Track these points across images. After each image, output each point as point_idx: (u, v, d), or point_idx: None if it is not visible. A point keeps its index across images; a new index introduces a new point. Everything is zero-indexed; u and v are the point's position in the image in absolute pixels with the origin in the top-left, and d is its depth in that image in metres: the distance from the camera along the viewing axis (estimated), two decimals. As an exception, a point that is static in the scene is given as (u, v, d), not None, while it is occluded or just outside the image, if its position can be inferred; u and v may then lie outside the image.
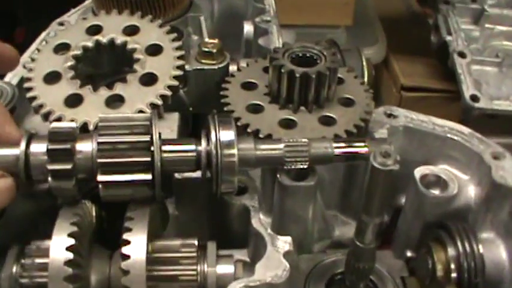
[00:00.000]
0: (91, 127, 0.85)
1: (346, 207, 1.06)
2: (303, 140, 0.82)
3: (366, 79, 1.19)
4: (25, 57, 1.10)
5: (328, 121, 0.95)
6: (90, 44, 0.97)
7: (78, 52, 0.96)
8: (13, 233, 0.87)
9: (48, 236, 0.76)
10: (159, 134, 0.75)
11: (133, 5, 1.03)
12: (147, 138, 0.75)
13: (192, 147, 0.78)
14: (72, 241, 0.73)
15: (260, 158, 0.80)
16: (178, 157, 0.78)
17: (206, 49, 1.02)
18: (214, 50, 1.02)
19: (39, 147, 0.75)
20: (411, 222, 0.95)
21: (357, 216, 1.00)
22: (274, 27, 1.19)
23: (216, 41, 1.03)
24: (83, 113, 0.87)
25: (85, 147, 0.76)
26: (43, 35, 1.17)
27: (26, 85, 0.91)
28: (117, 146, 0.74)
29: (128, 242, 0.73)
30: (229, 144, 0.77)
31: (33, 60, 0.95)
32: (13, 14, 2.15)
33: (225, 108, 0.95)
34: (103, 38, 0.97)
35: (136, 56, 0.94)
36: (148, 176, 0.74)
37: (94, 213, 0.82)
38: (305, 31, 1.58)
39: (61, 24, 1.20)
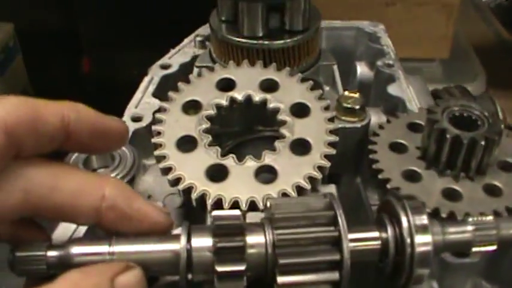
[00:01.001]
0: (243, 207, 0.73)
1: (493, 275, 0.93)
2: (489, 218, 0.71)
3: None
4: (131, 107, 0.99)
5: (493, 190, 0.84)
6: (223, 101, 0.85)
7: (211, 112, 0.84)
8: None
9: None
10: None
11: (266, 54, 0.91)
12: (335, 232, 0.62)
13: (376, 234, 0.66)
14: None
15: (448, 243, 0.69)
16: (364, 247, 0.66)
17: (347, 105, 0.90)
18: (357, 107, 0.90)
19: (201, 242, 0.63)
20: None
21: (503, 284, 0.91)
22: (400, 73, 1.07)
23: (357, 95, 0.91)
24: (231, 189, 0.75)
25: (257, 240, 0.63)
26: (146, 80, 1.06)
27: (158, 153, 0.79)
28: (299, 242, 0.62)
29: None
30: (423, 231, 0.65)
31: (159, 121, 0.83)
32: (78, 42, 2.06)
33: (380, 176, 0.83)
34: (238, 95, 0.85)
35: (280, 117, 0.82)
36: (335, 276, 0.62)
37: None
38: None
39: (164, 67, 1.08)
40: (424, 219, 0.66)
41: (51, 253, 0.63)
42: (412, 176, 0.85)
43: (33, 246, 0.63)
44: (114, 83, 1.77)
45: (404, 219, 0.66)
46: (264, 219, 0.66)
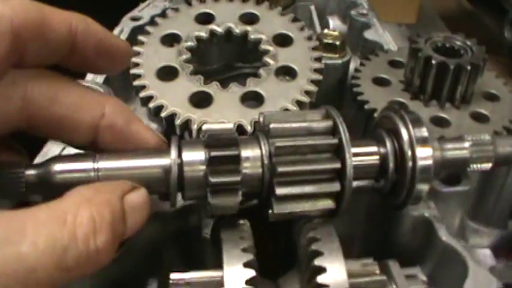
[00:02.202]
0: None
1: (478, 213, 0.93)
2: (486, 137, 0.69)
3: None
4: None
5: (480, 117, 0.85)
6: (203, 34, 0.82)
7: (192, 43, 0.80)
8: (134, 264, 0.71)
9: (186, 266, 0.61)
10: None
11: (243, -9, 0.88)
12: (335, 140, 0.60)
13: (374, 148, 0.64)
14: (251, 273, 0.57)
15: (447, 160, 0.67)
16: (363, 162, 0.63)
17: (328, 41, 0.88)
18: (338, 42, 0.88)
19: (194, 156, 0.59)
20: None
21: (489, 223, 0.91)
22: (375, 20, 1.07)
23: (336, 32, 0.90)
24: (216, 114, 0.72)
25: (252, 152, 0.60)
26: (116, 31, 1.01)
27: (138, 82, 0.75)
28: (299, 150, 0.60)
29: (323, 270, 0.58)
30: (424, 143, 0.63)
31: (137, 53, 0.79)
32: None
33: (366, 107, 0.82)
34: (218, 27, 0.82)
35: (263, 47, 0.80)
36: (336, 186, 0.60)
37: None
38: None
39: (134, 19, 1.04)
40: (424, 131, 0.63)
41: (30, 171, 0.57)
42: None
43: (10, 165, 0.58)
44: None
45: (404, 132, 0.63)
46: (258, 132, 0.63)
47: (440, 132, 0.79)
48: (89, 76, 0.88)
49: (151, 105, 0.73)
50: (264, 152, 0.60)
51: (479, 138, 0.69)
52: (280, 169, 0.59)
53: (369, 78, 0.88)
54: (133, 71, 0.77)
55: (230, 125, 0.62)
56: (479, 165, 0.68)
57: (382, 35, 1.03)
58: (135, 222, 0.55)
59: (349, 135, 0.61)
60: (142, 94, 0.74)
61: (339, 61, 0.89)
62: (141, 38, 0.81)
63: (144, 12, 1.06)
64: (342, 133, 0.60)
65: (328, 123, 0.62)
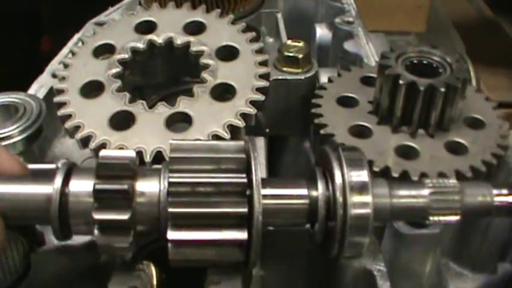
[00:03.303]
0: (147, 158, 0.61)
1: (462, 255, 0.81)
2: (452, 182, 0.57)
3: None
4: (54, 63, 0.87)
5: (457, 148, 0.73)
6: (140, 45, 0.73)
7: (125, 56, 0.72)
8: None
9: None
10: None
11: (195, -4, 0.79)
12: (243, 178, 0.50)
13: (304, 191, 0.54)
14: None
15: (397, 209, 0.55)
16: (285, 206, 0.54)
17: (290, 54, 0.78)
18: (300, 56, 0.78)
19: (81, 185, 0.51)
20: None
21: (475, 266, 0.78)
22: (360, 30, 0.96)
23: (300, 43, 0.80)
24: (136, 138, 0.63)
25: (149, 187, 0.51)
26: (76, 37, 0.94)
27: (58, 99, 0.68)
28: (197, 188, 0.50)
29: None
30: (362, 189, 0.52)
31: (66, 66, 0.72)
32: (39, 21, 1.95)
33: (322, 131, 0.72)
34: (158, 38, 0.74)
35: (203, 61, 0.71)
36: (243, 234, 0.50)
37: (155, 279, 0.57)
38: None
39: (98, 24, 0.97)
40: (363, 176, 0.53)
41: None
42: (361, 132, 0.73)
43: None
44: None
45: (337, 174, 0.53)
46: (163, 164, 0.54)
47: (406, 165, 0.68)
48: (32, 88, 0.82)
49: (67, 125, 0.65)
50: (162, 187, 0.52)
51: (444, 185, 0.56)
52: (172, 210, 0.50)
53: (334, 97, 0.77)
54: (56, 86, 0.69)
55: (132, 153, 0.53)
56: (441, 218, 0.56)
57: (364, 46, 0.92)
58: None
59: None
60: (60, 112, 0.66)
61: (301, 77, 0.78)
62: (73, 48, 0.74)
63: (109, 18, 0.99)
64: (253, 172, 0.51)
65: (240, 158, 0.52)
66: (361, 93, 0.78)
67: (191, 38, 0.73)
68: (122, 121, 0.65)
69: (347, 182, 0.52)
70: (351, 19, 0.98)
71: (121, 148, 0.62)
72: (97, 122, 0.65)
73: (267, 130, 0.80)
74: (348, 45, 0.92)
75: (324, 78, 0.83)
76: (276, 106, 0.79)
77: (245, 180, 0.50)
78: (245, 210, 0.50)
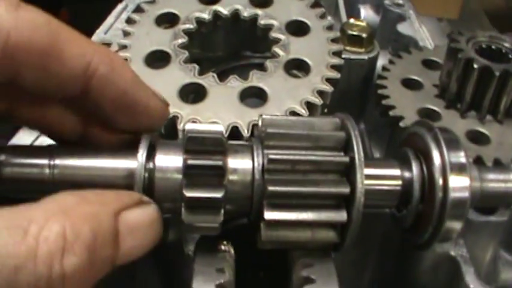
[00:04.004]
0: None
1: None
2: None
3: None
4: (99, 32, 0.83)
5: (528, 136, 0.70)
6: (206, 15, 0.70)
7: (191, 26, 0.69)
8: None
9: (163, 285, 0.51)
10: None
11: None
12: (344, 157, 0.48)
13: (397, 171, 0.52)
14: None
15: (487, 193, 0.54)
16: (380, 187, 0.51)
17: (353, 33, 0.75)
18: (364, 35, 0.75)
19: (169, 160, 0.48)
20: None
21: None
22: (411, 12, 0.93)
23: (363, 23, 0.77)
24: (209, 112, 0.60)
25: (242, 164, 0.48)
26: (120, 7, 0.90)
27: (122, 68, 0.64)
28: (297, 166, 0.48)
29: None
30: (460, 171, 0.50)
31: (126, 34, 0.68)
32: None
33: (391, 113, 0.69)
34: (223, 9, 0.71)
35: (274, 35, 0.68)
36: (342, 216, 0.48)
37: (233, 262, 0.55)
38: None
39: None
40: (461, 157, 0.51)
41: None
42: (429, 115, 0.71)
43: None
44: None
45: (436, 155, 0.50)
46: (255, 140, 0.51)
47: (476, 150, 0.66)
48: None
49: (134, 95, 0.61)
50: (256, 164, 0.49)
51: None
52: (271, 188, 0.47)
53: (398, 79, 0.75)
54: (119, 54, 0.65)
55: (220, 127, 0.50)
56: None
57: (418, 29, 0.90)
58: (133, 246, 0.42)
59: (368, 153, 0.49)
60: (126, 82, 0.63)
61: (365, 57, 0.76)
62: (133, 16, 0.70)
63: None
64: (355, 150, 0.48)
65: (340, 136, 0.49)
66: (424, 76, 0.76)
67: (258, 11, 0.70)
68: (192, 93, 0.62)
69: (447, 162, 0.50)
70: (400, 1, 0.96)
71: (193, 122, 0.59)
72: (166, 93, 0.61)
73: (325, 110, 0.77)
74: (402, 28, 0.89)
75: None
76: (337, 86, 0.76)
77: (347, 159, 0.48)
78: (347, 190, 0.47)
